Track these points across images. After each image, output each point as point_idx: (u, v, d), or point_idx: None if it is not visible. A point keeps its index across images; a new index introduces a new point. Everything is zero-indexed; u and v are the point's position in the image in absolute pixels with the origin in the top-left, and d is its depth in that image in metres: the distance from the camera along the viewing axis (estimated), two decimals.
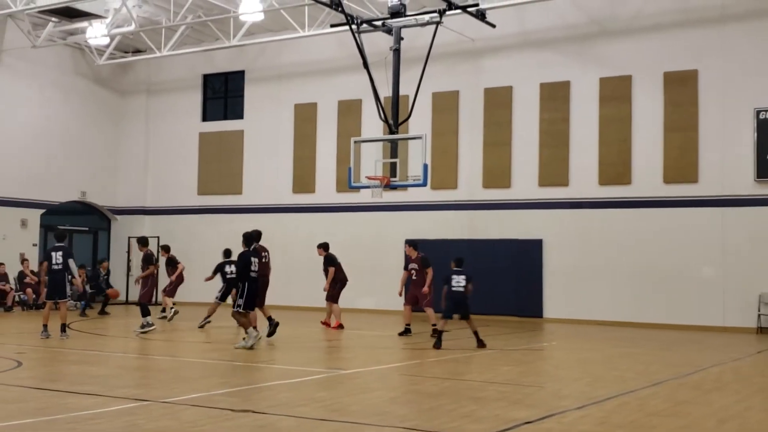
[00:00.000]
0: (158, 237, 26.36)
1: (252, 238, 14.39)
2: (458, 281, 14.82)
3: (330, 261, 18.10)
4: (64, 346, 13.96)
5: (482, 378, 10.86)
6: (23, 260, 23.68)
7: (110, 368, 11.61)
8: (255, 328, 13.97)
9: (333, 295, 18.05)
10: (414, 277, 16.73)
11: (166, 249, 20.63)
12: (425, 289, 16.35)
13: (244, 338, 13.78)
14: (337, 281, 18.11)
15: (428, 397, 9.22)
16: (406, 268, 17.30)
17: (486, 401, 8.94)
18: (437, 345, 14.27)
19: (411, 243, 17.57)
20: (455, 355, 13.80)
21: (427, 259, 16.79)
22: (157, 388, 9.61)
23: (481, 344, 14.46)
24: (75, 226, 27.03)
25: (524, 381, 10.89)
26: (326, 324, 18.22)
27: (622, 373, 11.59)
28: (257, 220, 24.91)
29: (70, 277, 15.21)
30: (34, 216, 25.02)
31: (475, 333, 14.59)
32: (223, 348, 14.52)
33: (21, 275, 23.38)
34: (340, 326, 17.86)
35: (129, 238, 27.18)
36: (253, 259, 14.01)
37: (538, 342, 17.06)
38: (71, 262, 15.14)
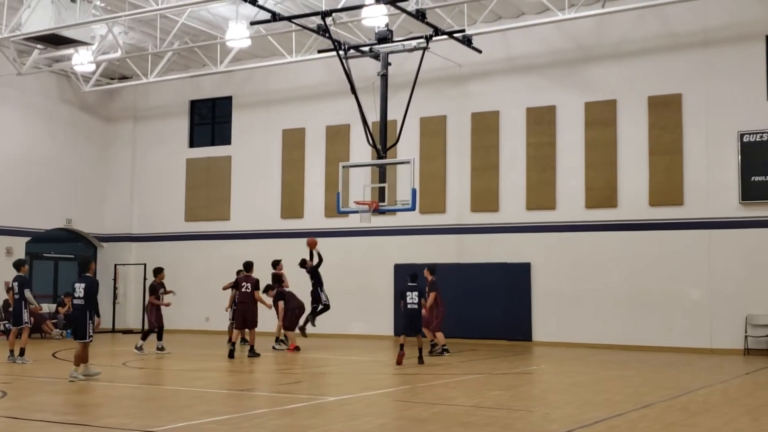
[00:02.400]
0: (145, 264, 26.27)
1: (87, 263, 13.65)
2: (412, 298, 16.05)
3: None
4: (49, 375, 13.81)
5: (471, 403, 10.82)
6: (8, 289, 23.43)
7: (96, 397, 11.50)
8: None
9: (290, 322, 19.06)
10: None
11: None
12: (424, 311, 16.83)
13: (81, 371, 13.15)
14: (288, 309, 19.11)
15: (418, 423, 9.17)
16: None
17: (475, 426, 8.90)
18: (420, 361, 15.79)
19: (428, 267, 18.05)
20: (445, 379, 13.76)
21: (434, 284, 17.63)
22: (143, 417, 9.51)
23: (420, 361, 15.77)
24: (61, 254, 26.88)
25: (513, 405, 10.85)
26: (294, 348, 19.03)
27: (611, 396, 11.57)
28: (245, 246, 24.92)
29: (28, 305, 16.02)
30: (20, 244, 24.85)
31: (420, 350, 15.95)
32: (208, 376, 14.41)
33: (6, 304, 23.15)
34: (296, 348, 18.86)
35: (116, 265, 27.06)
36: (76, 285, 13.23)
37: (527, 365, 17.02)
38: (27, 292, 15.91)
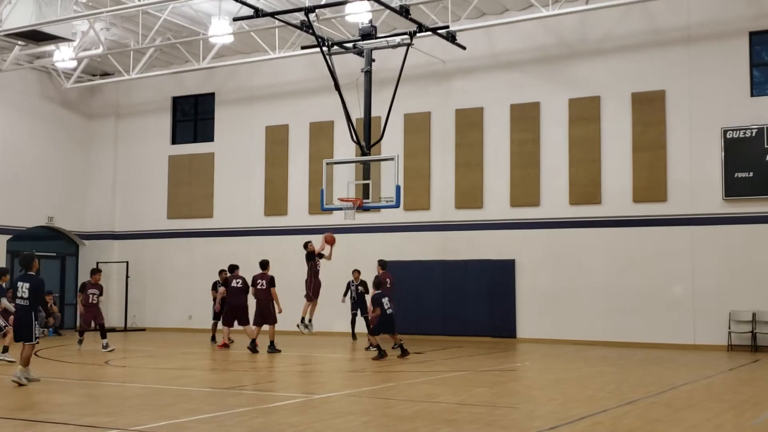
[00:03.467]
0: (127, 262, 26.13)
1: (30, 260, 12.66)
2: (387, 303, 16.44)
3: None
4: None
5: (456, 400, 10.79)
6: None
7: (77, 396, 11.39)
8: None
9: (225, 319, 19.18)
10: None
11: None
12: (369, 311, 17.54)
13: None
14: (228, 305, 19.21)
15: (401, 421, 9.14)
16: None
17: (459, 423, 8.88)
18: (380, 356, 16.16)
19: (380, 262, 19.20)
20: (429, 377, 13.73)
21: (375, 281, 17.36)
22: (125, 415, 9.43)
23: (405, 353, 16.34)
24: (42, 252, 26.66)
25: (497, 402, 10.84)
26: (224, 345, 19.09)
27: (595, 393, 11.58)
28: (229, 244, 24.83)
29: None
30: (1, 242, 24.65)
31: (401, 344, 16.47)
32: (191, 374, 14.33)
33: None
34: (225, 346, 18.95)
35: (98, 263, 26.86)
36: (20, 284, 12.38)
37: (511, 362, 17.03)
38: (3, 300, 15.51)
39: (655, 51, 20.68)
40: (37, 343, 12.53)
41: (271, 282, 18.10)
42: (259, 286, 18.15)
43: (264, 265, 18.44)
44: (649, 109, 20.56)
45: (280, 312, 18.17)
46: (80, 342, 18.59)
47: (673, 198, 20.24)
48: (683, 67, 20.29)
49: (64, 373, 14.37)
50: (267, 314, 17.99)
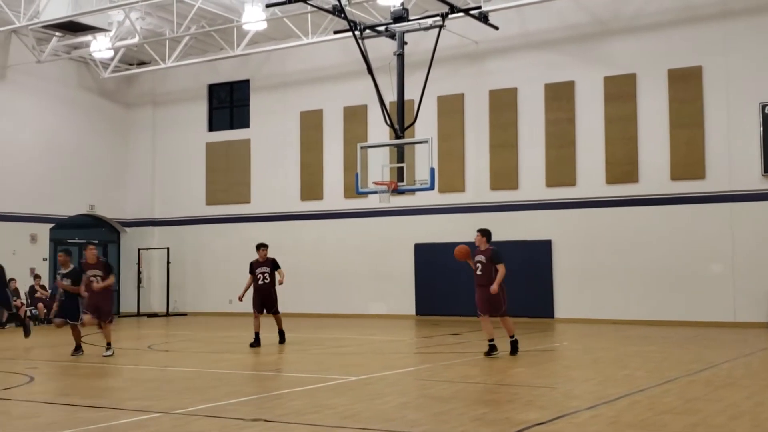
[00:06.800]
0: (168, 248, 26.49)
1: None
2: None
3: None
4: (76, 360, 13.99)
5: (493, 380, 10.85)
6: (35, 276, 23.81)
7: (120, 381, 11.64)
8: None
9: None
10: (479, 273, 13.43)
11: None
12: (494, 287, 13.11)
13: None
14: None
15: (439, 402, 9.22)
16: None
17: (497, 404, 8.94)
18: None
19: (482, 232, 13.63)
20: (466, 358, 13.80)
21: (499, 253, 13.35)
22: (167, 399, 9.62)
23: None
24: (85, 239, 27.13)
25: (535, 382, 10.87)
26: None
27: (633, 372, 11.55)
28: (266, 229, 25.05)
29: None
30: (44, 230, 25.13)
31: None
32: (232, 358, 14.55)
33: (32, 290, 23.50)
34: None
35: (139, 249, 27.29)
36: None
37: (549, 343, 17.03)
38: None
39: (691, 26, 20.41)
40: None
41: (274, 265, 16.37)
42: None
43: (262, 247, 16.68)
44: (685, 86, 20.31)
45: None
46: None
47: (712, 175, 20.02)
48: (719, 42, 20.00)
49: (108, 359, 14.65)
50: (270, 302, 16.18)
